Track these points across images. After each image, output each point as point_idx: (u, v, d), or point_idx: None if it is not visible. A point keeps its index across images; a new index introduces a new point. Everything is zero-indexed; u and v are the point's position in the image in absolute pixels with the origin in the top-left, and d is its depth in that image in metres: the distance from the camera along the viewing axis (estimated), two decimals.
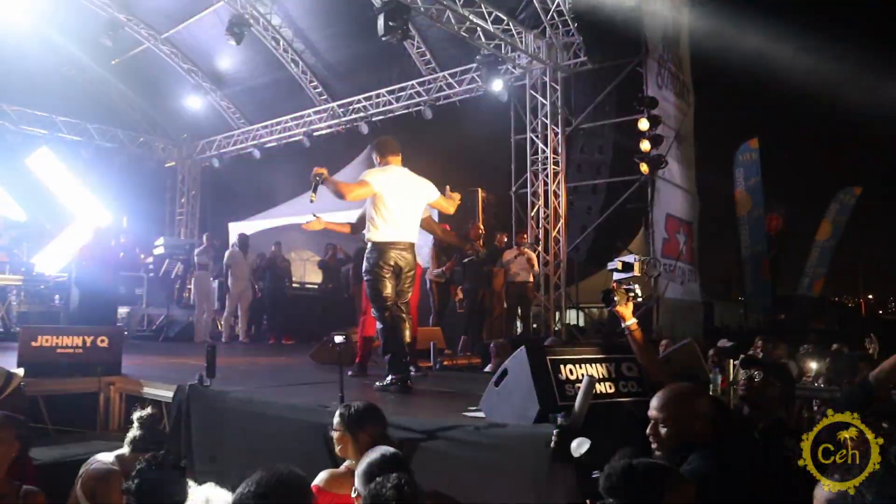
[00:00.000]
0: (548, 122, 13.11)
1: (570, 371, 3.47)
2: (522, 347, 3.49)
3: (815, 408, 6.57)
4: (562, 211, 13.11)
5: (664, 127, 12.50)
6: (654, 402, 2.61)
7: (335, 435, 3.24)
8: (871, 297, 40.90)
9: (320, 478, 3.13)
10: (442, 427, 3.42)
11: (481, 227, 10.51)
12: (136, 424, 3.69)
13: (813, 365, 7.50)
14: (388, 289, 5.00)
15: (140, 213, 15.94)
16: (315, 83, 16.29)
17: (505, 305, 10.68)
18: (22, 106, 15.92)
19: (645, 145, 11.91)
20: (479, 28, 11.99)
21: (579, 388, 3.26)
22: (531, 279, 10.85)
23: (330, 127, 16.32)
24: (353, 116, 15.75)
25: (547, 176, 13.11)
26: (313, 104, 16.49)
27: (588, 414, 3.12)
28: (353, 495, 2.85)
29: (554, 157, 13.11)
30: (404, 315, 5.06)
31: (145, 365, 6.80)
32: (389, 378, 4.94)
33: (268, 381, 5.86)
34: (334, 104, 16.12)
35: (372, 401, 4.75)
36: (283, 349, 11.08)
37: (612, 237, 13.52)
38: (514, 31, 12.49)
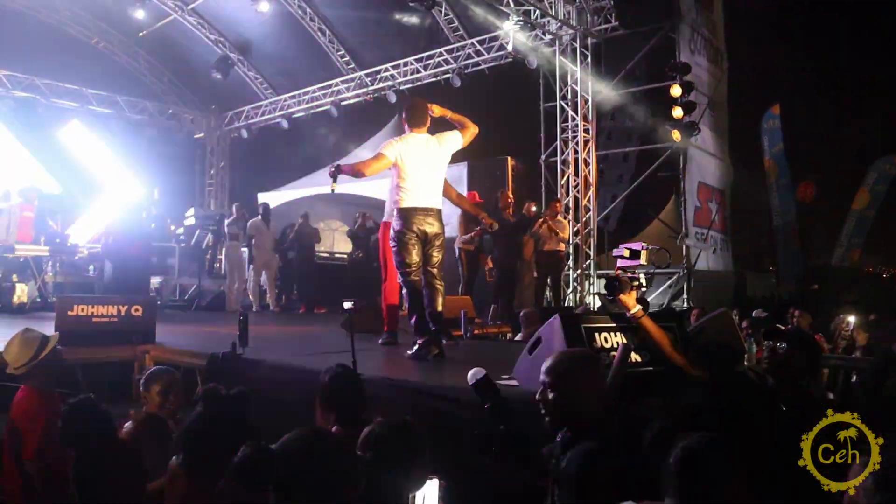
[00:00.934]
0: (578, 88, 12.88)
1: (605, 339, 3.44)
2: (556, 315, 3.45)
3: (854, 377, 6.51)
4: (592, 179, 12.95)
5: (697, 94, 12.20)
6: (545, 364, 2.46)
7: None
8: None
9: None
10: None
11: (510, 195, 10.40)
12: None
13: (851, 334, 7.39)
14: (413, 255, 5.05)
15: (170, 185, 16.02)
16: (342, 52, 16.16)
17: (535, 274, 10.63)
18: (52, 79, 16.06)
19: (677, 112, 11.62)
20: None
21: (614, 356, 3.24)
22: (561, 248, 10.77)
23: (358, 96, 16.20)
24: (381, 85, 15.60)
25: (577, 144, 12.91)
26: (341, 73, 16.36)
27: (622, 382, 3.09)
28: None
29: (584, 125, 12.91)
30: (434, 281, 5.09)
31: (178, 333, 6.88)
32: (418, 344, 4.98)
33: (298, 349, 5.91)
34: (362, 73, 16.00)
35: (402, 368, 4.76)
36: (315, 318, 11.14)
37: (643, 206, 13.39)
38: None
